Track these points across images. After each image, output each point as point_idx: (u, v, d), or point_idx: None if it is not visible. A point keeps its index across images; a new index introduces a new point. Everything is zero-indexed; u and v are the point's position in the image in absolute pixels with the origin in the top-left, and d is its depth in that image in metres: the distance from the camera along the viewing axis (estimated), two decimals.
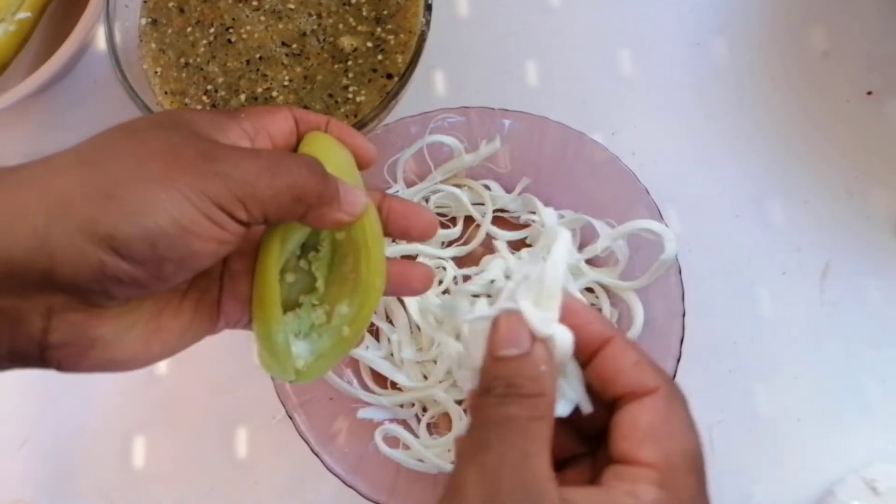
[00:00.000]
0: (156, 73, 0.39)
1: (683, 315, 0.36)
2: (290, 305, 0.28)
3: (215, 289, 0.27)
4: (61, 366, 0.23)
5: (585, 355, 0.23)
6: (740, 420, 0.38)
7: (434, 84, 0.44)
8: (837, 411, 0.38)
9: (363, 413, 0.38)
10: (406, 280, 0.29)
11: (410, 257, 0.40)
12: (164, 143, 0.23)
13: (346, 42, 0.38)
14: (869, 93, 0.42)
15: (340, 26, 0.38)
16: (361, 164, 0.29)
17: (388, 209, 0.29)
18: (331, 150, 0.28)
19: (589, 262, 0.39)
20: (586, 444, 0.24)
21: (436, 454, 0.36)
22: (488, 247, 0.40)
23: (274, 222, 0.25)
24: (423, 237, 0.29)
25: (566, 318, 0.23)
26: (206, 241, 0.23)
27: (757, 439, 0.38)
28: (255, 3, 0.39)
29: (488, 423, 0.21)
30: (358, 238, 0.27)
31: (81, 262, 0.21)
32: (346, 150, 0.28)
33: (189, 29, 0.39)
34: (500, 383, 0.22)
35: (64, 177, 0.22)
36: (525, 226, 0.40)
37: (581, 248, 0.39)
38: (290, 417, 0.36)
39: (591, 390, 0.23)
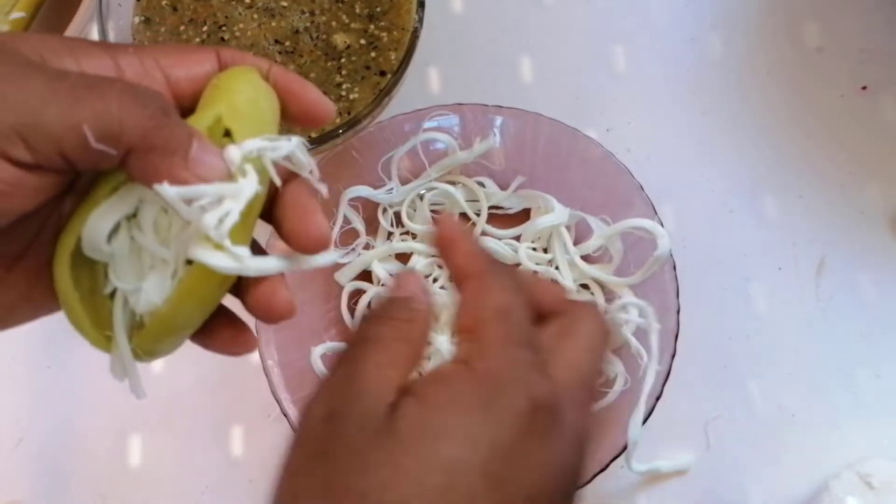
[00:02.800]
0: None
1: (678, 311, 0.36)
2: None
3: None
4: None
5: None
6: (735, 416, 0.38)
7: (428, 81, 0.44)
8: (832, 406, 0.38)
9: None
10: (265, 304, 0.22)
11: (405, 256, 0.40)
12: None
13: (340, 39, 0.38)
14: (863, 87, 0.42)
15: (333, 24, 0.38)
16: (313, 120, 0.23)
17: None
18: (239, 88, 0.21)
19: (584, 258, 0.39)
20: None
21: None
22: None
23: (85, 168, 0.19)
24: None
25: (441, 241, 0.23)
26: None
27: (752, 435, 0.38)
28: (247, 1, 0.39)
29: (354, 341, 0.21)
30: None
31: None
32: (270, 93, 0.22)
33: (182, 27, 0.39)
34: (377, 311, 0.22)
35: None
36: (520, 222, 0.40)
37: (576, 244, 0.39)
38: (285, 415, 0.36)
39: None
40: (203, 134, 0.20)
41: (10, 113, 0.18)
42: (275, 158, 0.21)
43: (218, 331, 0.23)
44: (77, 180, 0.22)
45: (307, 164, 0.22)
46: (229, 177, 0.20)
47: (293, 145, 0.21)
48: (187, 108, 0.22)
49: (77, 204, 0.21)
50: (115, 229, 0.21)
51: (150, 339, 0.21)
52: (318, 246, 0.22)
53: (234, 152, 0.20)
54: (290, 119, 0.23)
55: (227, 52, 0.23)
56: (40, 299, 0.22)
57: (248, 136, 0.21)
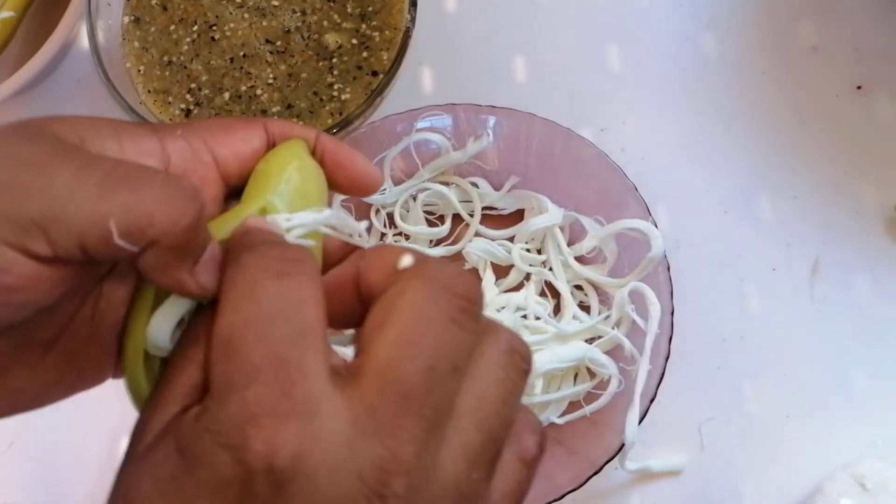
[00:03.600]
0: (139, 71, 0.38)
1: (672, 312, 0.36)
2: None
3: (109, 334, 0.21)
4: None
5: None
6: (729, 417, 0.38)
7: (421, 81, 0.43)
8: (827, 408, 0.38)
9: None
10: (354, 184, 0.22)
11: None
12: None
13: (331, 39, 0.38)
14: (858, 87, 0.42)
15: (325, 23, 0.38)
16: (359, 191, 0.23)
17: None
18: (286, 177, 0.21)
19: (578, 259, 0.39)
20: None
21: None
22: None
23: (100, 261, 0.18)
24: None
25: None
26: None
27: (746, 436, 0.38)
28: (238, 1, 0.38)
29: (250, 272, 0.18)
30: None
31: None
32: (318, 172, 0.22)
33: (172, 27, 0.38)
34: None
35: None
36: (514, 223, 0.40)
37: (570, 245, 0.39)
38: None
39: None
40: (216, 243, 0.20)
41: (32, 204, 0.17)
42: (322, 228, 0.21)
43: None
44: (117, 266, 0.21)
45: (355, 227, 0.22)
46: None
47: (338, 215, 0.21)
48: (234, 187, 0.22)
49: (133, 300, 0.21)
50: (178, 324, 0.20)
51: None
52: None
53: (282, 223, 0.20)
54: (337, 189, 0.23)
55: (275, 125, 0.22)
56: (74, 381, 0.21)
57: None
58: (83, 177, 0.17)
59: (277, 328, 0.16)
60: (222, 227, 0.20)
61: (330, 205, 0.22)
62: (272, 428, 0.15)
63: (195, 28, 0.38)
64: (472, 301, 0.17)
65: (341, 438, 0.15)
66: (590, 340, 0.37)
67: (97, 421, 0.40)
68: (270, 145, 0.22)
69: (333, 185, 0.23)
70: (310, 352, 0.16)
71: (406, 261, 0.17)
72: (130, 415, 0.40)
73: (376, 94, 0.36)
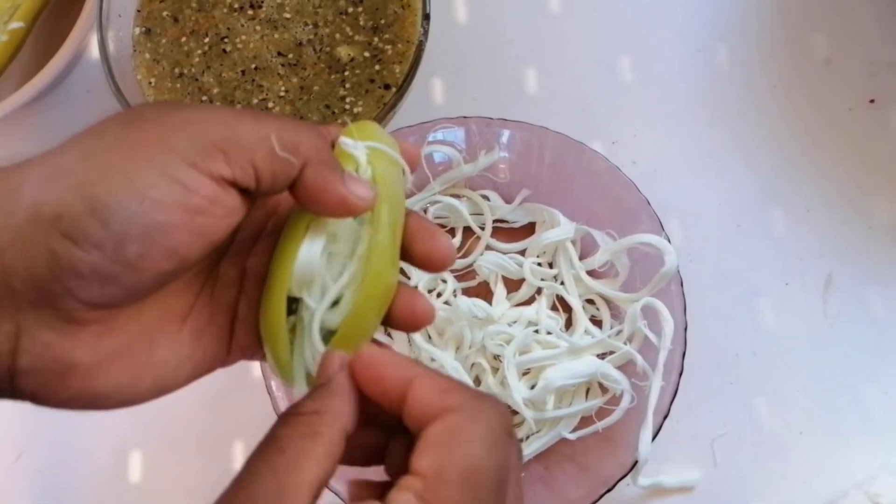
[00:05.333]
0: (150, 83, 0.38)
1: (685, 328, 0.36)
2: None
3: (225, 316, 0.23)
4: (36, 396, 0.20)
5: (395, 403, 0.21)
6: (742, 433, 0.38)
7: (432, 93, 0.43)
8: (840, 424, 0.38)
9: None
10: (409, 311, 0.24)
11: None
12: (152, 122, 0.20)
13: (343, 52, 0.38)
14: (872, 101, 0.42)
15: (337, 36, 0.38)
16: (435, 266, 0.24)
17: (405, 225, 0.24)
18: (371, 131, 0.24)
19: (590, 273, 0.38)
20: None
21: None
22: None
23: (266, 187, 0.21)
24: (441, 267, 0.24)
25: (361, 373, 0.21)
26: (171, 209, 0.19)
27: (759, 453, 0.38)
28: (250, 13, 0.38)
29: (260, 445, 0.20)
30: (371, 226, 0.23)
31: (31, 254, 0.18)
32: (393, 141, 0.24)
33: (183, 39, 0.38)
34: (287, 410, 0.21)
35: (28, 167, 0.19)
36: (525, 236, 0.40)
37: (581, 259, 0.39)
38: None
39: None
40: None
41: (212, 129, 0.20)
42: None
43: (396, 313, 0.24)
44: (231, 245, 0.24)
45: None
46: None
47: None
48: None
49: (267, 251, 0.23)
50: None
51: (343, 342, 0.22)
52: (446, 264, 0.24)
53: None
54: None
55: (332, 130, 0.24)
56: (199, 360, 0.23)
57: (386, 185, 0.23)
58: (242, 112, 0.21)
59: (510, 486, 0.20)
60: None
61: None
62: None
63: (206, 40, 0.38)
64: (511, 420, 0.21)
65: None
66: (602, 355, 0.37)
67: (105, 433, 0.40)
68: (331, 146, 0.24)
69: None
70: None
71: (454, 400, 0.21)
72: (138, 426, 0.40)
73: (389, 107, 0.35)
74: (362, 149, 0.23)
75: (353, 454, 0.22)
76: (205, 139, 0.19)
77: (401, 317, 0.23)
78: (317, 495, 0.19)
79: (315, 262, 0.22)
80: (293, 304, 0.23)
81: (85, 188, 0.18)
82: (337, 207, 0.21)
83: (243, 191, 0.21)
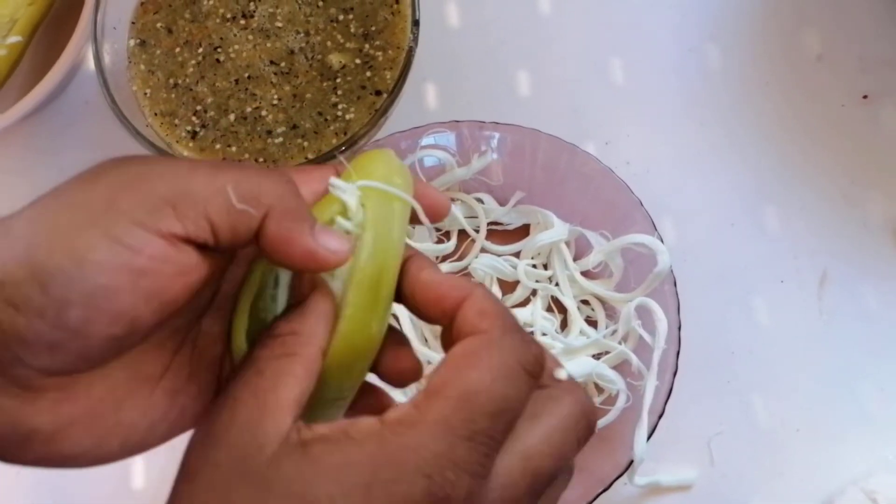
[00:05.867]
0: (145, 94, 0.39)
1: (679, 327, 0.36)
2: None
3: (207, 373, 0.22)
4: (3, 457, 0.20)
5: (448, 317, 0.21)
6: (738, 431, 0.38)
7: (425, 97, 0.43)
8: (837, 421, 0.38)
9: None
10: (393, 369, 0.23)
11: None
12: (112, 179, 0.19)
13: (335, 59, 0.38)
14: (864, 97, 0.42)
15: (328, 44, 0.38)
16: (430, 217, 0.23)
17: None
18: (376, 165, 0.22)
19: (584, 273, 0.39)
20: None
21: None
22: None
23: (229, 242, 0.20)
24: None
25: (421, 294, 0.21)
26: (113, 272, 0.18)
27: (755, 450, 0.38)
28: (242, 23, 0.39)
29: (239, 366, 0.20)
30: (348, 283, 0.21)
31: None
32: (404, 168, 0.23)
33: (177, 50, 0.39)
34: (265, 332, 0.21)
35: None
36: (519, 238, 0.40)
37: (575, 260, 0.39)
38: None
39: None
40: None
41: (162, 184, 0.19)
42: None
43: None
44: (213, 300, 0.23)
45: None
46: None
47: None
48: None
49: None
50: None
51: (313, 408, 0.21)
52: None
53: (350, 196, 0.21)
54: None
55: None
56: (176, 419, 0.22)
57: (383, 207, 0.22)
58: (197, 164, 0.20)
59: (508, 416, 0.19)
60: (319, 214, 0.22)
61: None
62: (468, 481, 0.18)
63: (200, 50, 0.38)
64: (593, 432, 0.21)
65: (504, 486, 0.19)
66: (597, 356, 0.37)
67: None
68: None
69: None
70: (504, 439, 0.19)
71: (562, 374, 0.21)
72: None
73: (381, 113, 0.36)
74: (353, 191, 0.21)
75: (391, 376, 0.22)
76: (154, 195, 0.19)
77: (385, 373, 0.23)
78: (297, 414, 0.19)
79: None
80: None
81: (29, 253, 0.18)
82: (304, 262, 0.20)
83: (202, 246, 0.20)
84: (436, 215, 0.23)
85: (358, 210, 0.21)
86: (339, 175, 0.23)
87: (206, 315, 0.23)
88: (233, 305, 0.22)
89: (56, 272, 0.18)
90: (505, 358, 0.19)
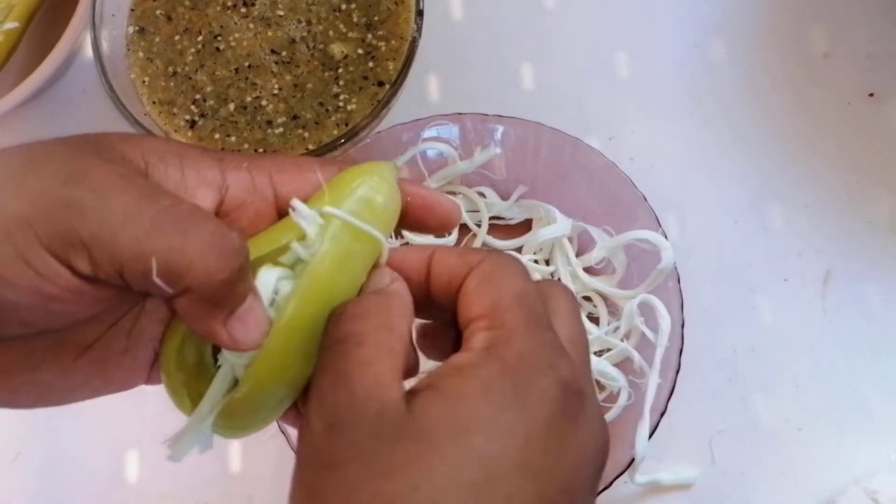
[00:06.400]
0: (143, 82, 0.38)
1: (683, 325, 0.35)
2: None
3: (145, 350, 0.22)
4: None
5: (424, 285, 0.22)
6: (740, 430, 0.38)
7: (427, 89, 0.43)
8: (839, 421, 0.37)
9: None
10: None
11: None
12: (54, 168, 0.18)
13: (337, 49, 0.37)
14: (871, 94, 0.41)
15: (331, 33, 0.38)
16: (436, 226, 0.23)
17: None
18: (359, 179, 0.21)
19: (586, 270, 0.38)
20: None
21: None
22: None
23: (136, 290, 0.19)
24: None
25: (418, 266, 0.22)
26: (22, 291, 0.17)
27: (757, 449, 0.37)
28: (243, 11, 0.38)
29: (327, 345, 0.20)
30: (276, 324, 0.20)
31: None
32: (394, 193, 0.22)
33: (177, 37, 0.38)
34: (346, 308, 0.20)
35: None
36: (521, 233, 0.40)
37: (578, 255, 0.38)
38: (283, 433, 0.35)
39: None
40: (260, 297, 0.20)
41: (85, 226, 0.18)
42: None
43: None
44: None
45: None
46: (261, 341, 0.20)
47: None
48: None
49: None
50: None
51: (240, 406, 0.21)
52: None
53: (267, 276, 0.20)
54: (423, 227, 0.23)
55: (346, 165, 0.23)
56: (100, 385, 0.22)
57: (346, 241, 0.21)
58: (138, 209, 0.18)
59: (541, 299, 0.21)
60: (267, 237, 0.21)
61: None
62: (567, 360, 0.20)
63: (200, 38, 0.38)
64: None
65: (579, 361, 0.21)
66: (599, 353, 0.37)
67: (103, 433, 0.40)
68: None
69: (419, 224, 0.23)
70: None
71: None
72: (135, 426, 0.40)
73: (383, 104, 0.35)
74: (314, 219, 0.20)
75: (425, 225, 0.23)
76: (72, 232, 0.17)
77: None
78: (402, 388, 0.19)
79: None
80: None
81: None
82: (209, 339, 0.20)
83: (114, 286, 0.19)
84: (444, 225, 0.23)
85: (316, 239, 0.20)
86: (320, 171, 0.22)
87: (151, 297, 0.22)
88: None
89: None
90: (517, 264, 0.21)
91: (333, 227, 0.20)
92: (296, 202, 0.21)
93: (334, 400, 0.19)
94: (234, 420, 0.21)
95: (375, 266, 0.22)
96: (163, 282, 0.18)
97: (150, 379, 0.23)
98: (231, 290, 0.19)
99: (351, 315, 0.20)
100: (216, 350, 0.22)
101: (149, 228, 0.18)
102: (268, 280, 0.20)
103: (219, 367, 0.21)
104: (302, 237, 0.20)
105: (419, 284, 0.22)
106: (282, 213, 0.22)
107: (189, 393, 0.21)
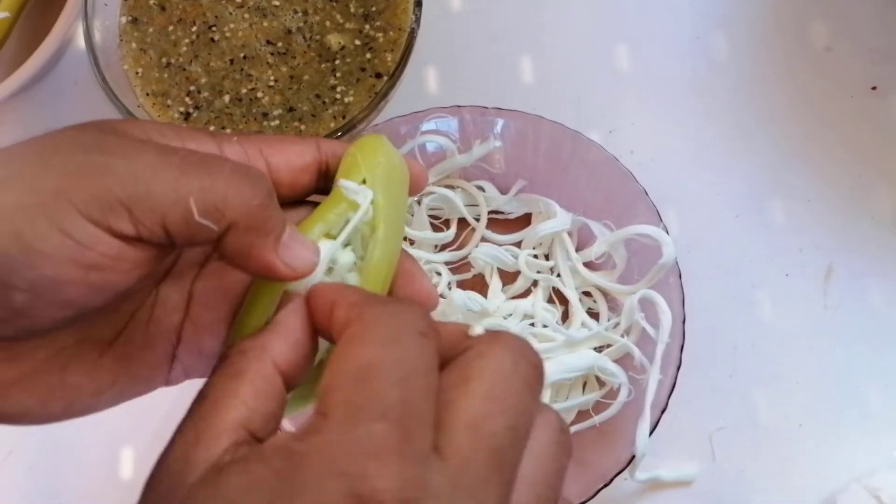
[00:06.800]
0: (137, 73, 0.37)
1: (684, 321, 0.35)
2: None
3: (164, 340, 0.22)
4: None
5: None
6: (740, 426, 0.37)
7: (425, 82, 0.42)
8: (840, 417, 0.37)
9: None
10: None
11: None
12: (68, 149, 0.18)
13: (334, 40, 0.37)
14: (873, 88, 0.41)
15: (327, 24, 0.37)
16: (412, 189, 0.23)
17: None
18: (377, 152, 0.22)
19: (586, 264, 0.38)
20: None
21: None
22: None
23: (181, 244, 0.19)
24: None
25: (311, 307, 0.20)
26: (61, 264, 0.17)
27: (757, 446, 0.37)
28: (238, 1, 0.37)
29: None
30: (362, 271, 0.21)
31: None
32: (401, 158, 0.23)
33: (171, 28, 0.37)
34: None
35: None
36: (521, 227, 0.39)
37: (578, 250, 0.38)
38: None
39: None
40: (295, 226, 0.21)
41: (119, 185, 0.18)
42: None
43: None
44: (174, 267, 0.22)
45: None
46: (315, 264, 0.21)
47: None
48: (283, 197, 0.22)
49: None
50: None
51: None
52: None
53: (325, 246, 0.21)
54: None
55: (328, 144, 0.23)
56: (127, 384, 0.21)
57: (388, 207, 0.22)
58: (163, 161, 0.18)
59: (417, 380, 0.17)
60: (317, 222, 0.21)
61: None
62: (397, 466, 0.15)
63: (194, 29, 0.37)
64: (542, 372, 0.18)
65: (443, 490, 0.16)
66: (599, 349, 0.36)
67: (97, 430, 0.39)
68: (323, 164, 0.23)
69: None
70: (430, 409, 0.17)
71: (478, 329, 0.19)
72: (131, 424, 0.39)
73: (380, 96, 0.35)
74: (367, 194, 0.21)
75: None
76: (109, 194, 0.17)
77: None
78: (240, 438, 0.17)
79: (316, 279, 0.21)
80: None
81: None
82: (263, 274, 0.20)
83: (157, 244, 0.19)
84: (416, 188, 0.23)
85: (368, 210, 0.21)
86: (318, 162, 0.23)
87: (165, 282, 0.22)
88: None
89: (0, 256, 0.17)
90: (388, 325, 0.17)
91: (378, 192, 0.22)
92: (343, 182, 0.21)
93: (165, 449, 0.18)
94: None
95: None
96: (208, 220, 0.18)
97: (171, 379, 0.23)
98: (269, 214, 0.19)
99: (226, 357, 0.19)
100: None
101: (178, 175, 0.18)
102: (325, 250, 0.21)
103: None
104: (353, 208, 0.21)
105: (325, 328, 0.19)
106: (275, 182, 0.22)
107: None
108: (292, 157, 0.22)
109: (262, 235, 0.19)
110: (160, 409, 0.39)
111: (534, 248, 0.38)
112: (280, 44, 0.37)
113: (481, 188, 0.39)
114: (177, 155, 0.19)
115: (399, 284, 0.22)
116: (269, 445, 0.17)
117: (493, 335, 0.18)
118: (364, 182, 0.22)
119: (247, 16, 0.37)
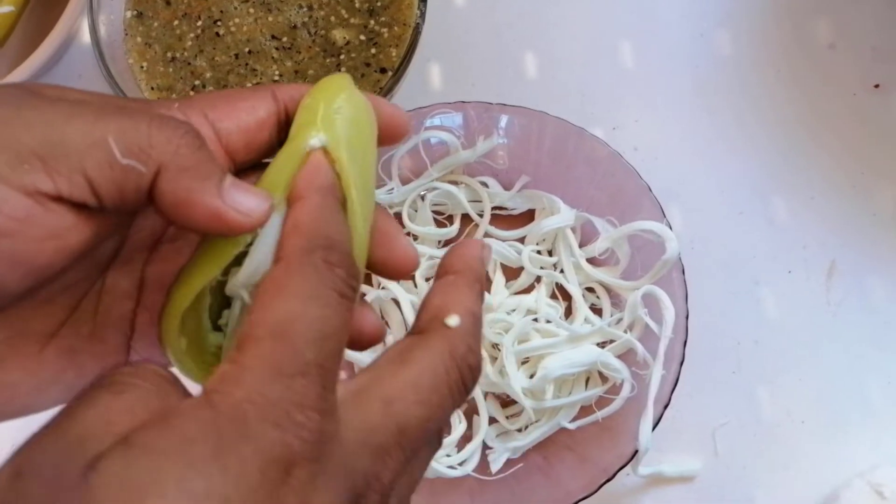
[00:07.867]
0: (142, 67, 0.37)
1: (687, 316, 0.35)
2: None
3: (115, 331, 0.20)
4: None
5: None
6: (743, 423, 0.37)
7: (430, 77, 0.43)
8: (843, 414, 0.37)
9: None
10: (389, 265, 0.21)
11: None
12: None
13: (339, 35, 0.37)
14: (876, 86, 0.41)
15: (332, 19, 0.37)
16: (389, 138, 0.21)
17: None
18: (336, 97, 0.19)
19: (590, 260, 0.38)
20: None
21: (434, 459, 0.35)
22: None
23: (116, 202, 0.17)
24: (401, 275, 0.22)
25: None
26: None
27: (760, 442, 0.37)
28: None
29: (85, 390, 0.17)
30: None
31: None
32: (366, 103, 0.20)
33: (176, 22, 0.37)
34: None
35: None
36: (524, 223, 0.39)
37: (581, 246, 0.38)
38: None
39: None
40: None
41: (30, 134, 0.16)
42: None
43: None
44: (120, 252, 0.20)
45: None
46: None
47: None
48: (242, 163, 0.20)
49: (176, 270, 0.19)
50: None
51: None
52: (410, 269, 0.21)
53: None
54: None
55: (285, 90, 0.20)
56: (74, 379, 0.20)
57: (355, 164, 0.19)
58: (78, 109, 0.17)
59: (332, 340, 0.17)
60: (273, 178, 0.19)
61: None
62: (316, 421, 0.15)
63: (199, 23, 0.37)
64: (468, 390, 0.19)
65: (349, 446, 0.16)
66: (602, 344, 0.36)
67: None
68: (281, 113, 0.20)
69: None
70: (338, 370, 0.17)
71: (452, 321, 0.19)
72: None
73: (385, 92, 0.35)
74: (319, 138, 0.19)
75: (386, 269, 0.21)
76: (18, 145, 0.16)
77: (379, 263, 0.21)
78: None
79: (266, 262, 0.18)
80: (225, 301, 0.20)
81: None
82: (211, 226, 0.17)
83: (81, 206, 0.17)
84: (397, 135, 0.21)
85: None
86: (276, 114, 0.20)
87: (111, 269, 0.20)
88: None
89: None
90: (311, 280, 0.17)
91: (340, 126, 0.19)
92: (303, 140, 0.19)
93: (39, 444, 0.16)
94: None
95: None
96: (132, 160, 0.16)
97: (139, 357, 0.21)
98: (202, 154, 0.17)
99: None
100: (213, 316, 0.20)
101: (94, 119, 0.17)
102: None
103: (222, 320, 0.20)
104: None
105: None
106: (228, 150, 0.20)
107: (193, 359, 0.20)
108: (243, 116, 0.20)
109: (199, 178, 0.17)
110: None
111: (537, 244, 0.38)
112: (285, 38, 0.37)
113: (485, 184, 0.39)
114: (92, 104, 0.17)
115: (376, 245, 0.21)
116: (185, 404, 0.15)
117: (448, 333, 0.19)
118: (320, 131, 0.19)
119: (252, 10, 0.37)
